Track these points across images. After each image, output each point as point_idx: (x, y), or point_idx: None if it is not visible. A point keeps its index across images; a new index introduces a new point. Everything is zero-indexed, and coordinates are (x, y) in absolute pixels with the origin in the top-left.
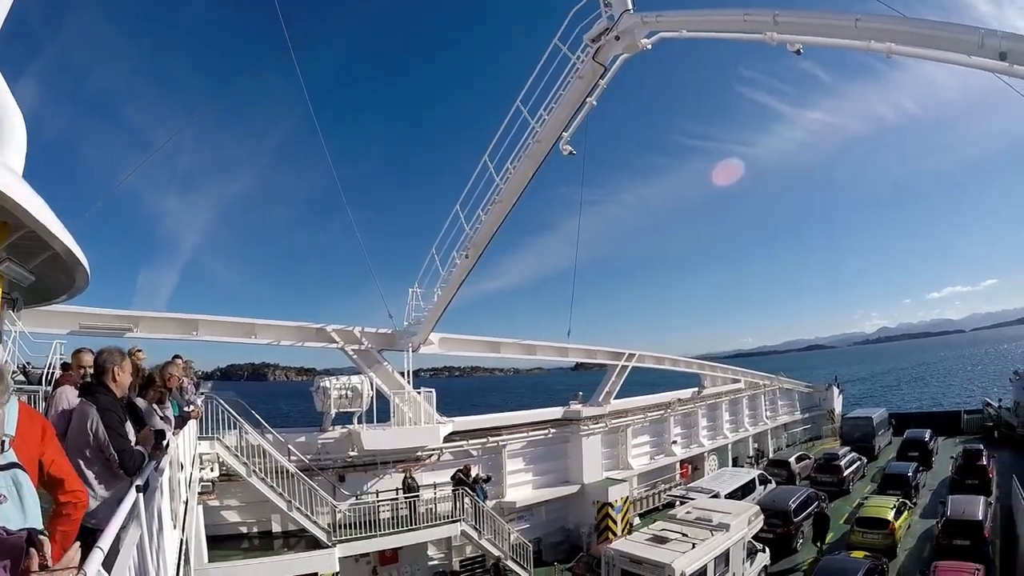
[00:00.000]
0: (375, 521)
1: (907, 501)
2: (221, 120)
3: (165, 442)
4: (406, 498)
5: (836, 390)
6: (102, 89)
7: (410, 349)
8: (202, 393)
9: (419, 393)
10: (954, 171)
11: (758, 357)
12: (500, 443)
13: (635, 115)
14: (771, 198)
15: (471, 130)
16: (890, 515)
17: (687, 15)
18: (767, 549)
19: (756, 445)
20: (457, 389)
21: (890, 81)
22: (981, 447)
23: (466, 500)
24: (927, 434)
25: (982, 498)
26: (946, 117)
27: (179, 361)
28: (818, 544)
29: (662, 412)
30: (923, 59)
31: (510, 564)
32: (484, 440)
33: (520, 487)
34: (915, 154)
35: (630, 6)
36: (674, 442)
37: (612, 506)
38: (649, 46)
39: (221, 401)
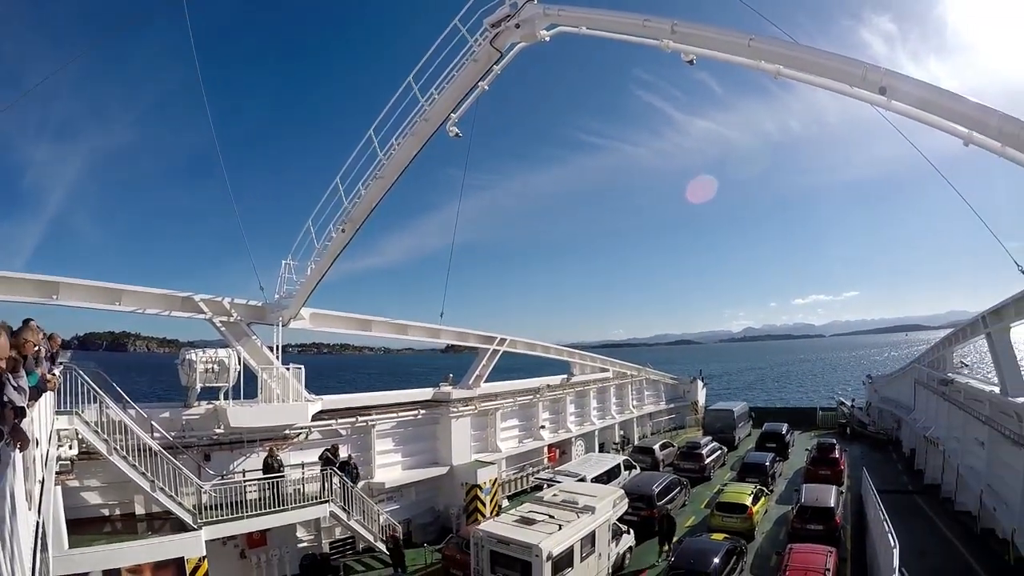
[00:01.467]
0: (242, 502)
1: (764, 488)
2: (100, 67)
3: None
4: (272, 478)
5: (700, 383)
6: None
7: (280, 323)
8: (60, 363)
9: (288, 369)
10: (829, 191)
11: (628, 348)
12: (369, 423)
13: (530, 105)
14: (653, 198)
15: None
16: (748, 501)
17: (588, 13)
18: (631, 531)
19: (622, 432)
20: (326, 366)
21: (779, 100)
22: (834, 441)
23: (335, 480)
24: (784, 427)
25: (834, 487)
26: (828, 140)
27: (34, 325)
28: (664, 545)
29: (531, 397)
30: (809, 84)
31: (379, 546)
32: (353, 419)
33: (389, 468)
34: (795, 171)
35: None
36: (542, 427)
37: (481, 488)
38: (547, 38)
39: (80, 372)
